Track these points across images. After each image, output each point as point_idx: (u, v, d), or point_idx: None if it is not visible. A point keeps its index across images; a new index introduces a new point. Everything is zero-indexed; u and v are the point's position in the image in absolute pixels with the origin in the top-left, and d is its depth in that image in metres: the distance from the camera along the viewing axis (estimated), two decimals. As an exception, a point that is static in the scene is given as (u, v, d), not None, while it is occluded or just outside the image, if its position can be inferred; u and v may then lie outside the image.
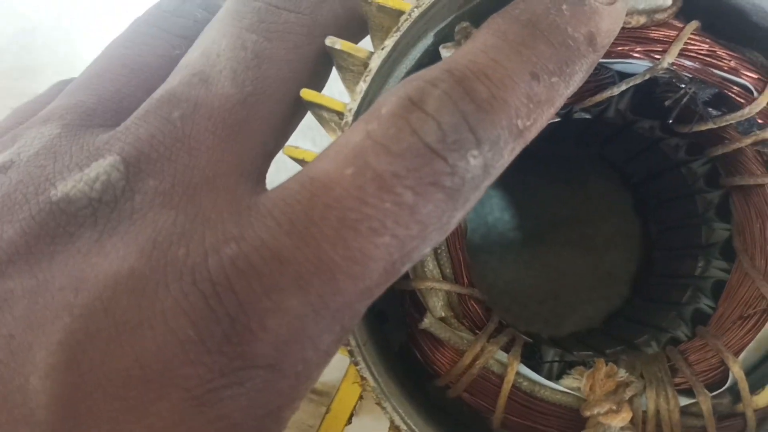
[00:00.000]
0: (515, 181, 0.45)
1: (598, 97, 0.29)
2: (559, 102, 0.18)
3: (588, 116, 0.31)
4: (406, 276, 0.27)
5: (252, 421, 0.16)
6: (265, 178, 0.20)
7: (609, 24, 0.18)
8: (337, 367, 0.25)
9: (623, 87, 0.28)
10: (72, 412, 0.15)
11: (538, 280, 0.44)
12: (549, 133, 0.34)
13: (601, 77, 0.29)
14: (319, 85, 0.22)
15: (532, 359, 0.30)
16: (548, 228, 0.45)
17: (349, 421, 0.27)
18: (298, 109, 0.21)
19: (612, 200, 0.43)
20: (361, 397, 0.26)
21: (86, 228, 0.17)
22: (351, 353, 0.24)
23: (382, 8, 0.25)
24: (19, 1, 0.45)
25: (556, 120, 0.31)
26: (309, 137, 0.43)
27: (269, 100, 0.19)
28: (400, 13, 0.24)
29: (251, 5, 0.21)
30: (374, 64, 0.24)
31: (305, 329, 0.16)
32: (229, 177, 0.18)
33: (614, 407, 0.25)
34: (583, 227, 0.44)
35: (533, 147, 0.39)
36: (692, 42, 0.26)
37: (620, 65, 0.28)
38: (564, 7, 0.18)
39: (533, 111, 0.17)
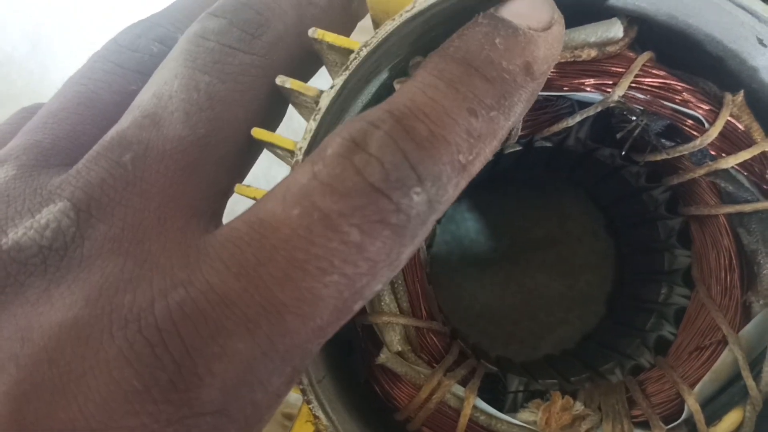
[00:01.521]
0: (490, 203, 0.45)
1: (555, 128, 0.29)
2: (502, 134, 0.18)
3: (549, 144, 0.31)
4: (363, 310, 0.27)
5: None
6: (220, 216, 0.20)
7: (545, 51, 0.18)
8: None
9: (578, 119, 0.28)
10: None
11: (514, 301, 0.44)
12: (516, 160, 0.35)
13: (558, 107, 0.29)
14: (274, 122, 0.23)
15: (494, 390, 0.30)
16: (524, 249, 0.45)
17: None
18: (252, 149, 0.21)
19: (585, 222, 0.43)
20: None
21: (36, 277, 0.17)
22: (303, 392, 0.24)
23: (332, 47, 0.25)
24: (-7, 31, 0.46)
25: (518, 149, 0.32)
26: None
27: (223, 141, 0.20)
28: (350, 51, 0.25)
29: (205, 45, 0.21)
30: (323, 103, 0.24)
31: (254, 372, 0.16)
32: (180, 219, 0.18)
33: (569, 441, 0.25)
34: (558, 248, 0.44)
35: (506, 171, 0.39)
36: (644, 74, 0.26)
37: (578, 95, 0.28)
38: (497, 41, 0.18)
39: (474, 145, 0.17)
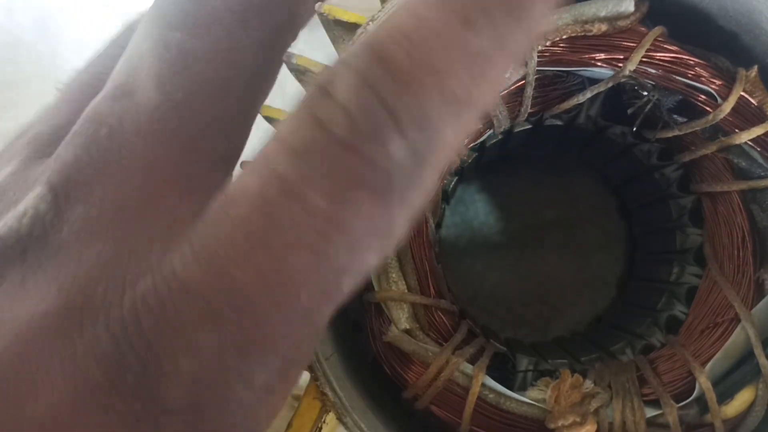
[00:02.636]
0: (500, 184, 0.44)
1: (566, 105, 0.28)
2: (513, 49, 0.14)
3: (560, 123, 0.31)
4: (371, 288, 0.27)
5: None
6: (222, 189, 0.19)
7: None
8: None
9: (588, 95, 0.27)
10: None
11: (524, 284, 0.44)
12: (526, 139, 0.34)
13: (568, 84, 0.29)
14: (267, 78, 0.20)
15: (503, 369, 0.29)
16: (534, 231, 0.44)
17: (318, 435, 0.27)
18: (245, 106, 0.19)
19: (596, 203, 0.43)
20: (327, 411, 0.26)
21: (15, 267, 0.16)
22: (311, 369, 0.24)
23: (338, 22, 0.25)
24: (3, 16, 0.46)
25: (528, 127, 0.31)
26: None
27: (206, 103, 0.17)
28: (356, 26, 0.24)
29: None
30: (330, 78, 0.24)
31: (227, 367, 0.14)
32: (168, 197, 0.16)
33: (579, 419, 0.25)
34: (568, 230, 0.44)
35: (516, 151, 0.39)
36: (656, 48, 0.26)
37: (589, 72, 0.27)
38: None
39: (474, 68, 0.13)
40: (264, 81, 0.20)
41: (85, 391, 0.14)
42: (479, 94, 0.14)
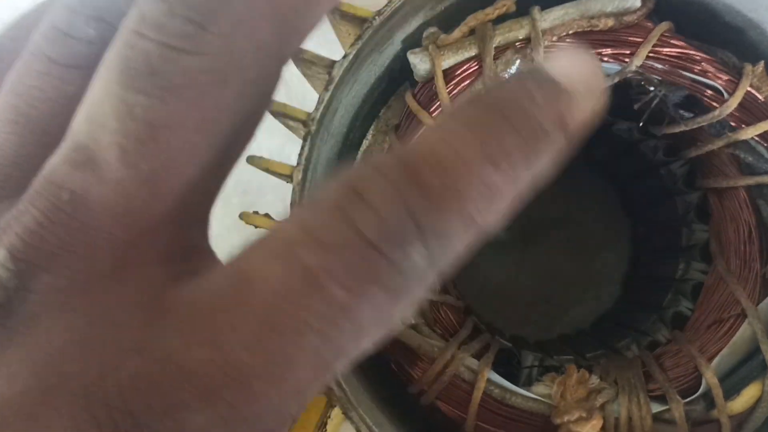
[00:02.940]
0: (505, 182, 0.44)
1: (572, 100, 0.28)
2: (523, 189, 0.16)
3: (565, 119, 0.31)
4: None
5: None
6: (199, 247, 0.18)
7: (584, 108, 0.17)
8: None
9: (594, 90, 0.27)
10: None
11: (529, 282, 0.44)
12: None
13: (574, 80, 0.29)
14: (251, 125, 0.19)
15: (509, 365, 0.29)
16: (539, 229, 0.44)
17: (323, 429, 0.27)
18: (223, 164, 0.18)
19: (601, 200, 0.43)
20: (333, 406, 0.26)
21: None
22: (317, 363, 0.24)
23: (344, 16, 0.25)
24: (8, 13, 0.46)
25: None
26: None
27: (176, 174, 0.16)
28: (363, 20, 0.24)
29: (139, 47, 0.16)
30: (336, 72, 0.24)
31: None
32: (142, 266, 0.16)
33: (584, 414, 0.25)
34: (573, 228, 0.44)
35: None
36: (663, 44, 0.26)
37: (595, 67, 0.27)
38: (537, 96, 0.16)
39: (491, 201, 0.15)
40: (244, 135, 0.19)
41: None
42: (490, 220, 0.15)
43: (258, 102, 0.18)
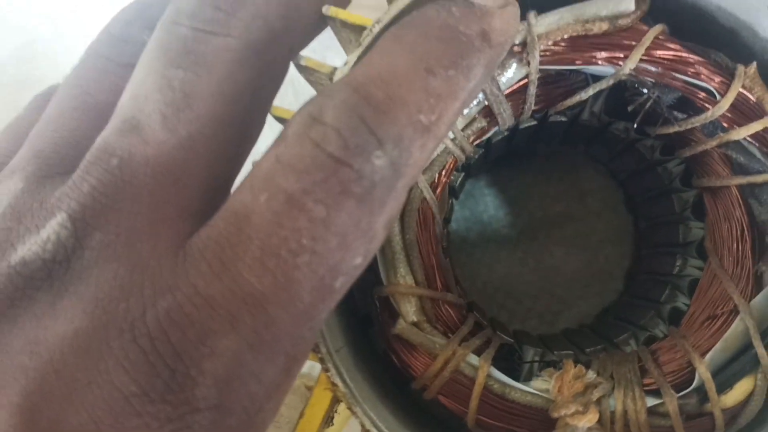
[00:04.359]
0: (509, 179, 0.45)
1: (569, 102, 0.29)
2: (463, 95, 0.18)
3: (564, 119, 0.32)
4: (379, 282, 0.28)
5: None
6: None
7: (501, 24, 0.18)
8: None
9: (591, 92, 0.28)
10: None
11: (533, 277, 0.44)
12: (532, 134, 0.35)
13: (572, 81, 0.29)
14: (266, 106, 0.22)
15: (510, 360, 0.30)
16: (542, 225, 0.45)
17: (330, 423, 0.28)
18: (244, 138, 0.21)
19: (604, 196, 0.43)
20: (338, 401, 0.26)
21: (43, 291, 0.17)
22: (322, 360, 0.25)
23: (345, 24, 0.25)
24: (18, 14, 0.47)
25: (533, 123, 0.32)
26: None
27: (208, 139, 0.19)
28: (363, 28, 0.25)
29: (177, 32, 0.19)
30: (338, 78, 0.25)
31: (243, 366, 0.16)
32: (172, 221, 0.18)
33: (581, 408, 0.25)
34: (576, 224, 0.44)
35: (522, 147, 0.39)
36: (656, 46, 0.27)
37: (592, 68, 0.28)
38: (453, 9, 0.18)
39: (435, 105, 0.17)
40: (262, 111, 0.22)
41: (120, 399, 0.16)
42: (438, 124, 0.17)
43: (271, 86, 0.22)
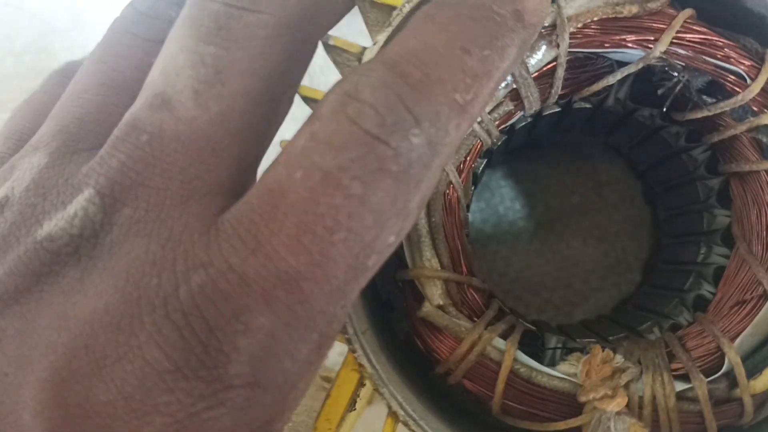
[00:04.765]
0: (526, 170, 0.45)
1: (596, 87, 0.29)
2: (498, 75, 0.18)
3: (588, 105, 0.31)
4: (405, 266, 0.28)
5: None
6: (247, 189, 0.20)
7: (534, 3, 0.18)
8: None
9: (618, 76, 0.28)
10: None
11: (549, 268, 0.44)
12: (554, 122, 0.35)
13: (598, 66, 0.29)
14: (295, 85, 0.22)
15: (533, 346, 0.30)
16: (559, 216, 0.45)
17: (353, 408, 0.27)
18: (274, 116, 0.20)
19: (622, 187, 0.43)
20: (363, 384, 0.26)
21: (70, 266, 0.17)
22: (349, 341, 0.25)
23: (374, 4, 0.25)
24: (36, 4, 0.47)
25: (557, 110, 0.32)
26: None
27: (239, 115, 0.19)
28: (392, 8, 0.25)
29: (209, 8, 0.19)
30: (366, 59, 0.25)
31: (279, 343, 0.16)
32: (203, 197, 0.18)
33: (609, 392, 0.25)
34: (593, 215, 0.44)
35: (542, 137, 0.39)
36: (686, 30, 0.26)
37: (618, 54, 0.28)
38: None
39: (471, 85, 0.17)
40: (291, 89, 0.21)
41: (152, 374, 0.15)
42: (473, 103, 0.17)
43: (301, 64, 0.21)
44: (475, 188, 0.40)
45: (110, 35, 0.22)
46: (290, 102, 0.22)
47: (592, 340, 0.32)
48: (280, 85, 0.20)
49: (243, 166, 0.19)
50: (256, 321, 0.16)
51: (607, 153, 0.43)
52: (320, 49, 0.27)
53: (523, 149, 0.43)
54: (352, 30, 0.31)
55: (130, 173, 0.18)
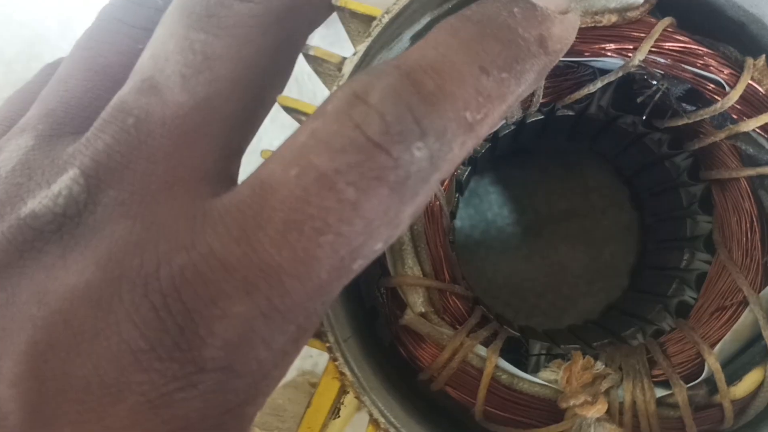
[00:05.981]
0: (514, 176, 0.45)
1: (577, 95, 0.29)
2: (511, 99, 0.17)
3: (571, 113, 0.32)
4: (387, 273, 0.28)
5: (210, 419, 0.16)
6: (233, 176, 0.20)
7: (560, 31, 0.18)
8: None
9: (599, 85, 0.28)
10: (39, 416, 0.16)
11: (538, 273, 0.44)
12: (539, 130, 0.35)
13: (579, 74, 0.29)
14: (282, 76, 0.22)
15: (517, 353, 0.30)
16: (547, 222, 0.45)
17: (336, 415, 0.27)
18: (260, 104, 0.21)
19: (609, 193, 0.43)
20: (346, 392, 0.26)
21: (52, 243, 0.17)
22: (330, 350, 0.25)
23: (354, 14, 0.25)
24: (25, 14, 0.47)
25: (540, 117, 0.32)
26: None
27: (225, 102, 0.19)
28: (372, 18, 0.25)
29: None
30: (347, 69, 0.25)
31: (254, 332, 0.16)
32: (188, 182, 0.18)
33: (590, 399, 0.25)
34: (581, 220, 0.44)
35: (528, 143, 0.39)
36: (665, 39, 0.27)
37: (599, 63, 0.28)
38: (515, 9, 0.18)
39: (483, 105, 0.17)
40: (278, 80, 0.22)
41: (127, 352, 0.16)
42: (482, 124, 0.17)
43: (289, 55, 0.22)
44: (461, 195, 0.40)
45: (97, 22, 0.22)
46: (279, 91, 0.23)
47: (576, 346, 0.32)
48: (268, 73, 0.21)
49: (228, 152, 0.20)
50: (234, 308, 0.16)
51: (594, 159, 0.43)
52: (309, 57, 0.27)
53: (511, 156, 0.44)
54: (331, 40, 0.32)
55: (116, 155, 0.18)
